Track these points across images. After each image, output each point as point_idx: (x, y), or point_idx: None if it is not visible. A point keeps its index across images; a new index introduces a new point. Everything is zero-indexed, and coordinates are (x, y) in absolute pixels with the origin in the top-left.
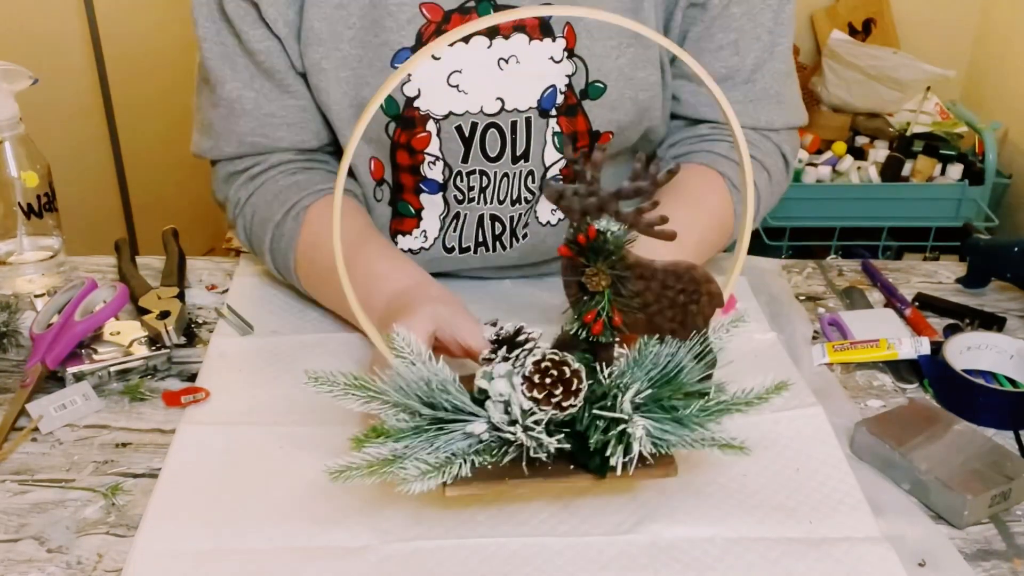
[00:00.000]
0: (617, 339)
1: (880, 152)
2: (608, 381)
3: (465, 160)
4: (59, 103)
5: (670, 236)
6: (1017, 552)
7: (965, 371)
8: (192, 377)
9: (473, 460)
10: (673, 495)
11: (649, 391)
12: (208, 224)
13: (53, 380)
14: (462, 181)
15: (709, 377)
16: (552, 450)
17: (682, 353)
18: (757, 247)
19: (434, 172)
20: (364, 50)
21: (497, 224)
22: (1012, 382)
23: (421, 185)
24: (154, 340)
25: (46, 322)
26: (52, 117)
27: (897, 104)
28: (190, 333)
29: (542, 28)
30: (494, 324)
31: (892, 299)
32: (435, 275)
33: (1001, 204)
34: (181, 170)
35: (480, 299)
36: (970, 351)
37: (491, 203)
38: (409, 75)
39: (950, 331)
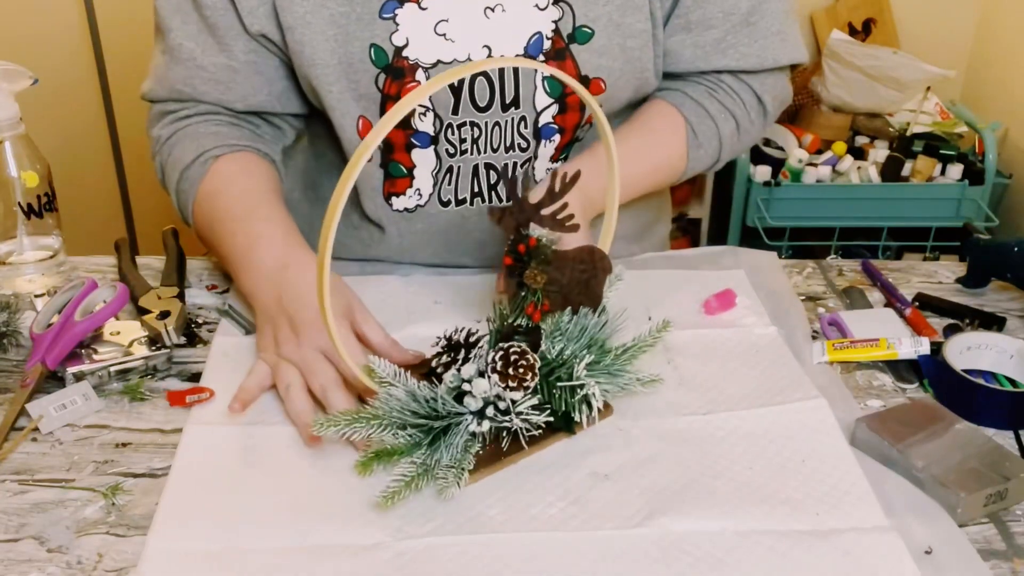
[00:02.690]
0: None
1: (880, 152)
2: (551, 357)
3: (455, 112)
4: (59, 103)
5: (574, 228)
6: (1017, 552)
7: (965, 371)
8: (192, 377)
9: (477, 450)
10: (681, 488)
11: (592, 357)
12: None
13: (53, 380)
14: (453, 134)
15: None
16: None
17: (590, 319)
18: (757, 247)
19: (425, 124)
20: (351, 6)
21: (492, 173)
22: (1012, 382)
23: (412, 140)
24: (154, 340)
25: (46, 322)
26: (52, 117)
27: (897, 104)
28: (190, 333)
29: None
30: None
31: (892, 299)
32: (442, 255)
33: (1001, 204)
34: None
35: (479, 298)
36: (970, 351)
37: (484, 152)
38: (397, 25)
39: (950, 331)
